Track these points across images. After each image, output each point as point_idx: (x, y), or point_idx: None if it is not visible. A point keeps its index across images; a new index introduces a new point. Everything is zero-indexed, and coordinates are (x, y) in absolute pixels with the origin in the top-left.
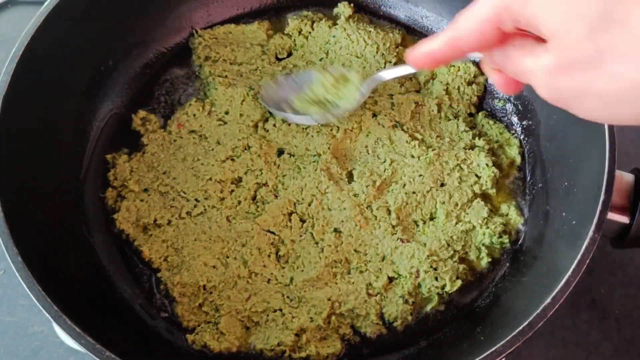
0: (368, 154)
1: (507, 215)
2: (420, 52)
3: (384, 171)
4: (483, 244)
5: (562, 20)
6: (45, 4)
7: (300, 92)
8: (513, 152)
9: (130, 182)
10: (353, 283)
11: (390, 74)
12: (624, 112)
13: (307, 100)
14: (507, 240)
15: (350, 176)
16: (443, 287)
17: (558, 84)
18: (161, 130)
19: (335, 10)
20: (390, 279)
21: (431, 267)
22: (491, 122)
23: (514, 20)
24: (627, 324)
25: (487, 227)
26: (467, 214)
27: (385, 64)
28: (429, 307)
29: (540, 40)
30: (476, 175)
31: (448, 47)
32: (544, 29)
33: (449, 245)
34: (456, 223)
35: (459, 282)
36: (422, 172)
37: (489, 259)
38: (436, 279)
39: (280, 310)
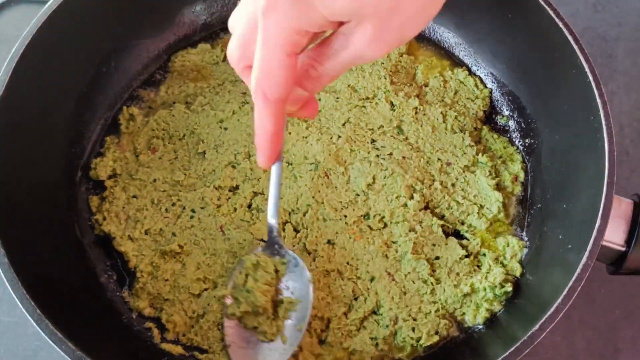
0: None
1: (508, 245)
2: (268, 146)
3: (384, 178)
4: (486, 300)
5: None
6: (48, 3)
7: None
8: (516, 167)
9: (116, 189)
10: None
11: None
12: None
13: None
14: (510, 289)
15: (347, 183)
16: (418, 340)
17: (386, 39)
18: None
19: None
20: (373, 311)
21: (410, 315)
22: (495, 135)
23: (305, 35)
24: (627, 324)
25: (486, 280)
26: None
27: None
28: (398, 355)
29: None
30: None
31: (276, 112)
32: (341, 16)
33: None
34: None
35: (436, 338)
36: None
37: (487, 315)
38: (413, 329)
39: None
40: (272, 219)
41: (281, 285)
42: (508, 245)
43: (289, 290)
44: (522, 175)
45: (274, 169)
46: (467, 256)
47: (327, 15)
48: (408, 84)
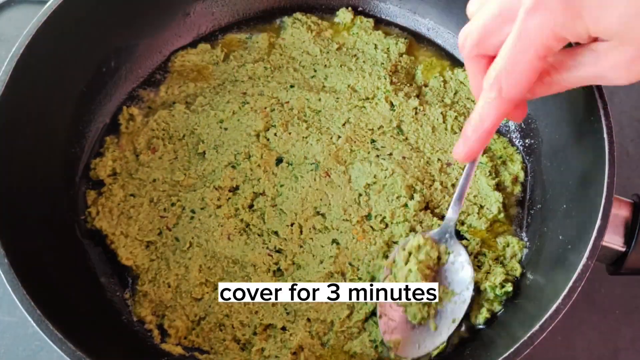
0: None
1: (508, 245)
2: (476, 140)
3: (385, 178)
4: (486, 300)
5: (621, 21)
6: (48, 3)
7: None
8: (516, 167)
9: (114, 186)
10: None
11: (455, 207)
12: None
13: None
14: (510, 289)
15: (349, 183)
16: None
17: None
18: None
19: (336, 19)
20: (373, 312)
21: None
22: (495, 135)
23: (561, 42)
24: (627, 324)
25: (486, 280)
26: None
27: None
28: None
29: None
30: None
31: (502, 111)
32: (603, 33)
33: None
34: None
35: None
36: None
37: (488, 316)
38: None
39: (283, 328)
40: (451, 211)
41: (441, 274)
42: (508, 246)
43: (447, 281)
44: (522, 176)
45: (468, 166)
46: None
47: (590, 29)
48: (408, 84)
